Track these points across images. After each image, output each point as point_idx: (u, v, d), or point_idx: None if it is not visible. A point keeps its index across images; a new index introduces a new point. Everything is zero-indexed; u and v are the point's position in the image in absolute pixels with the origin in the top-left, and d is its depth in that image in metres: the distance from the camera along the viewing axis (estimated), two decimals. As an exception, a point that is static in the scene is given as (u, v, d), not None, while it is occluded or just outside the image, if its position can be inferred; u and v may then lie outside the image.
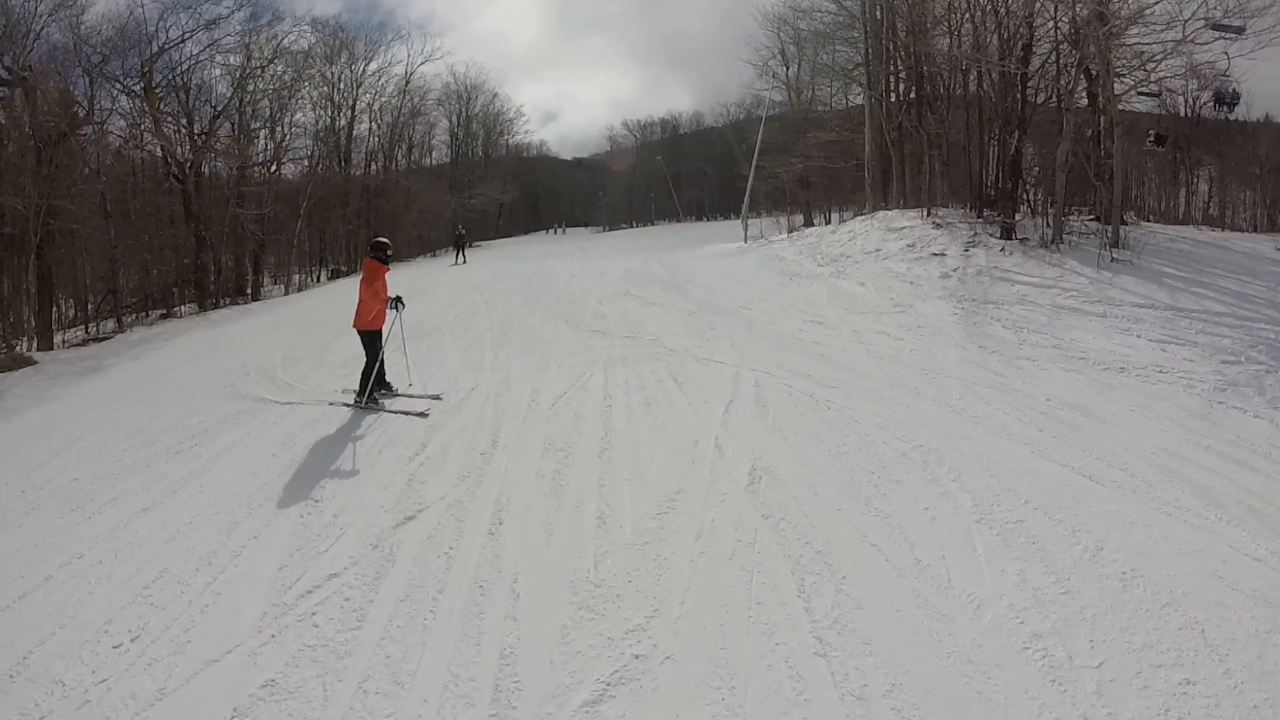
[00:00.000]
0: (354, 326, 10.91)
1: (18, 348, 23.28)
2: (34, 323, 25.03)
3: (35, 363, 20.25)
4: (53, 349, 23.70)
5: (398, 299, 11.22)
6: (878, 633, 4.88)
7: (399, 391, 11.03)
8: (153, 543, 7.25)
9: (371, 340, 10.75)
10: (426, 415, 9.72)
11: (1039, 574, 5.40)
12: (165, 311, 29.14)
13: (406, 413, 10.05)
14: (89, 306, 28.39)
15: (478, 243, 57.20)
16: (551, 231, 72.24)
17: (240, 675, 5.10)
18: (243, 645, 5.40)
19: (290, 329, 19.71)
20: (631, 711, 4.48)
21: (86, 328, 26.98)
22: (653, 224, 70.41)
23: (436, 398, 10.55)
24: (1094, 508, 6.36)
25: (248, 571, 6.45)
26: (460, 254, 36.41)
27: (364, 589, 5.96)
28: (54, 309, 26.27)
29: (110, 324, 27.15)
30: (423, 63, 50.45)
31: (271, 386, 12.66)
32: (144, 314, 28.97)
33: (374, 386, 10.68)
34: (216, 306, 30.24)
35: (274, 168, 36.89)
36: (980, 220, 19.00)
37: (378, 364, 10.77)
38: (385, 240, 11.28)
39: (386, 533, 6.85)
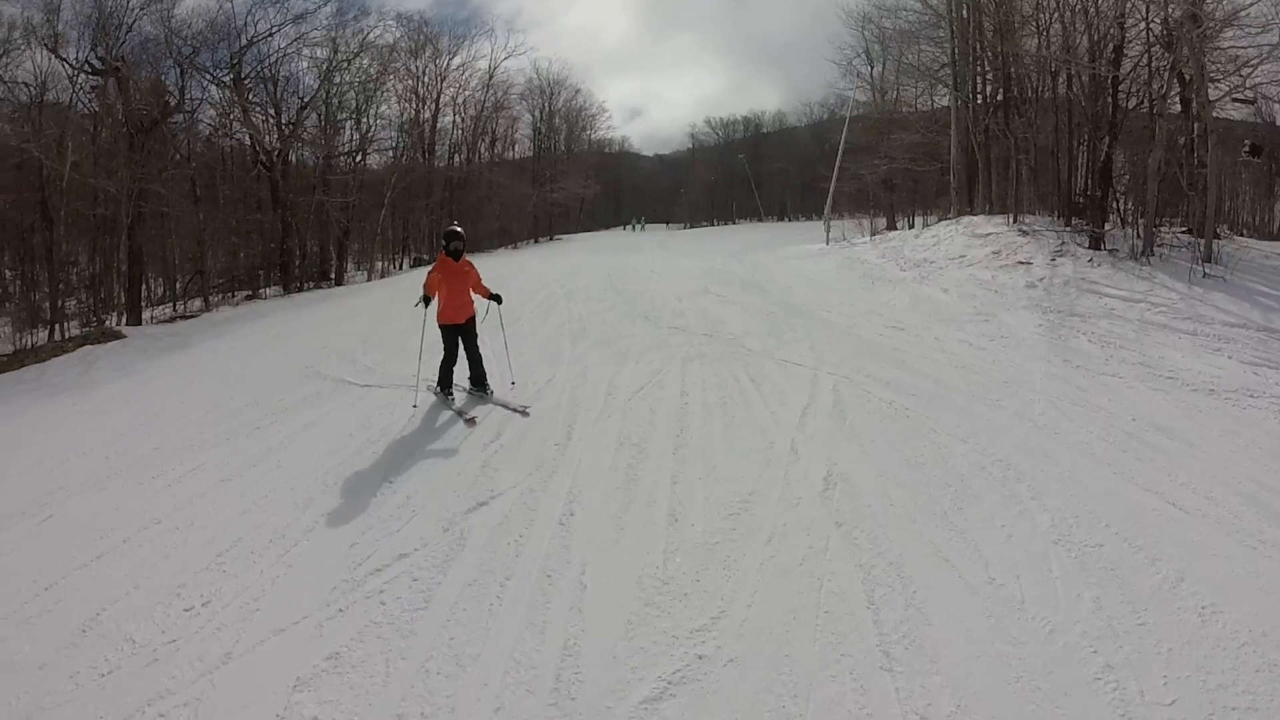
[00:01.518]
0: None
1: (108, 322, 24.10)
2: (123, 299, 25.93)
3: (124, 337, 21.01)
4: (141, 324, 24.53)
5: (493, 297, 10.87)
6: (946, 651, 4.80)
7: (487, 395, 10.47)
8: (228, 513, 7.49)
9: (443, 334, 10.46)
10: (527, 414, 9.70)
11: (1116, 602, 5.25)
12: (250, 293, 30.13)
13: (507, 405, 10.08)
14: (177, 285, 29.63)
15: (560, 236, 57.65)
16: (629, 228, 70.14)
17: (306, 646, 5.22)
18: (310, 617, 5.53)
19: (371, 314, 20.04)
20: (691, 712, 4.46)
21: (174, 305, 28.16)
22: (734, 223, 69.96)
23: (524, 411, 9.91)
24: (1176, 536, 6.15)
25: (319, 546, 6.61)
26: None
27: (432, 571, 6.05)
28: (143, 287, 27.33)
29: (197, 303, 28.23)
30: (506, 58, 51.01)
31: (351, 369, 12.90)
32: (230, 294, 30.01)
33: (440, 384, 10.51)
34: (300, 290, 31.04)
35: (359, 158, 37.75)
36: (1068, 229, 18.58)
37: (444, 360, 10.45)
38: (452, 227, 10.68)
39: (458, 517, 6.94)
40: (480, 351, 10.70)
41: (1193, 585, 5.45)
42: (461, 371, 10.62)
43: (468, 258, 10.69)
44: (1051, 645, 4.83)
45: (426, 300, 10.45)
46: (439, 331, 10.48)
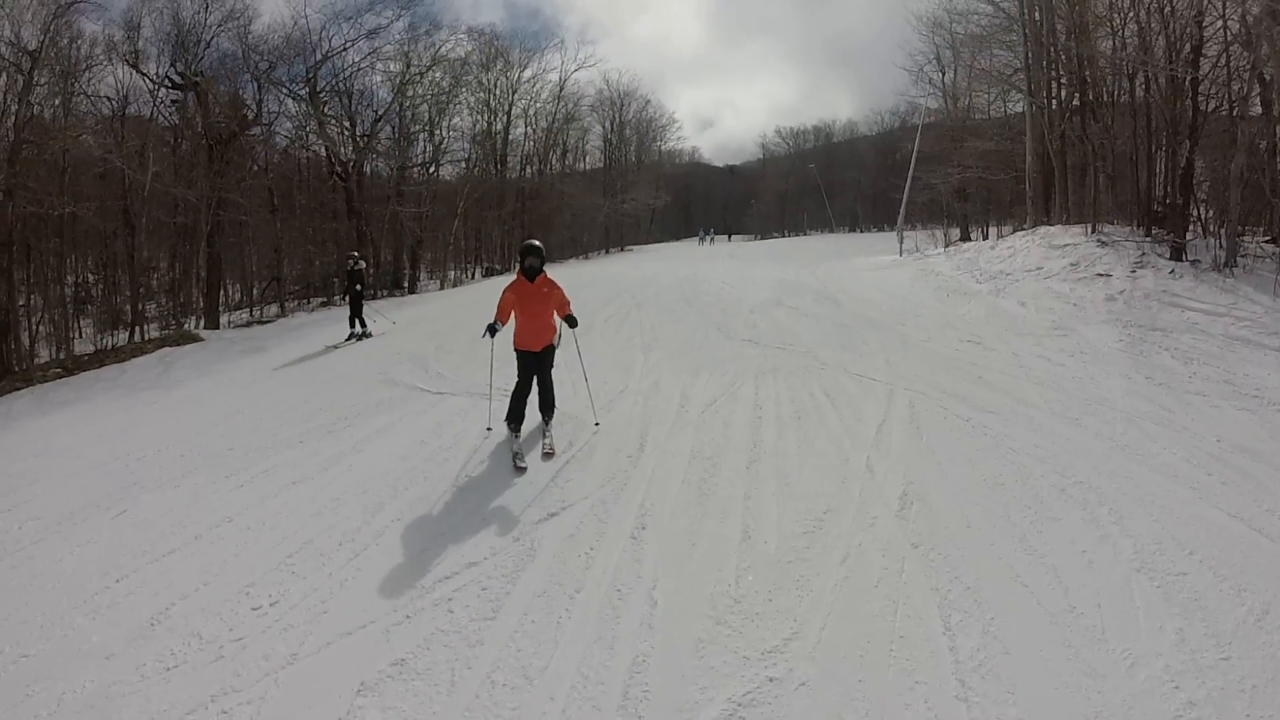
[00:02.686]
0: None
1: (186, 325, 24.79)
2: (202, 304, 26.71)
3: (201, 340, 21.66)
4: (218, 328, 25.22)
5: (567, 318, 9.59)
6: (1023, 681, 4.71)
7: (547, 432, 9.29)
8: (299, 515, 7.63)
9: (518, 360, 9.41)
10: (597, 426, 9.71)
11: (1199, 634, 5.10)
12: (325, 300, 30.78)
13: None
14: (254, 291, 30.57)
15: (630, 246, 57.85)
16: (699, 240, 67.11)
17: (372, 650, 5.28)
18: (377, 622, 5.59)
19: (444, 322, 20.31)
20: (761, 737, 4.43)
21: (250, 311, 29.08)
22: (805, 233, 69.65)
23: (595, 425, 9.75)
24: (1262, 565, 5.95)
25: (388, 551, 6.69)
26: (355, 318, 20.07)
27: (501, 580, 6.09)
28: (221, 292, 28.29)
29: (273, 308, 29.05)
30: (576, 69, 51.36)
31: (424, 375, 13.10)
32: (305, 301, 30.80)
33: (508, 416, 9.27)
34: (375, 298, 31.59)
35: (432, 169, 38.90)
36: (1148, 239, 18.13)
37: (515, 388, 9.34)
38: (528, 242, 9.42)
39: (528, 527, 6.99)
40: (552, 379, 9.60)
41: (1278, 618, 5.28)
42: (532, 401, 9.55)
43: (550, 275, 9.41)
44: (1133, 679, 4.71)
45: (493, 329, 9.21)
46: (513, 355, 9.46)
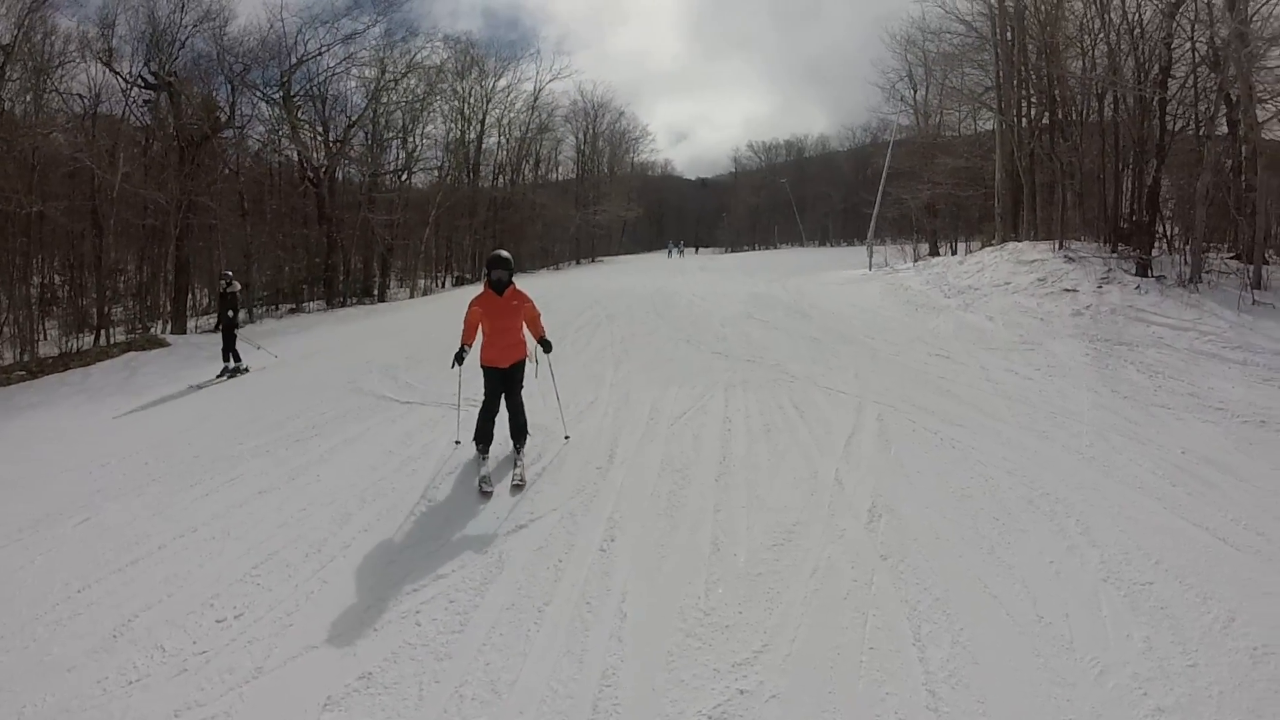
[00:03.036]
0: None
1: (153, 330, 24.52)
2: (169, 308, 26.37)
3: (168, 345, 21.49)
4: (185, 333, 24.93)
5: (542, 342, 9.18)
6: (993, 691, 4.72)
7: (519, 459, 8.65)
8: (266, 525, 7.54)
9: (484, 377, 8.91)
10: (567, 439, 9.60)
11: (1166, 642, 5.15)
12: (294, 306, 30.76)
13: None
14: None
15: (601, 258, 57.96)
16: (668, 253, 66.46)
17: (338, 664, 5.21)
18: (343, 635, 5.53)
19: (414, 331, 20.27)
20: (734, 749, 4.41)
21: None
22: (776, 247, 70.17)
23: (565, 436, 9.57)
24: (1228, 574, 6.03)
25: (356, 563, 6.62)
26: (229, 352, 17.47)
27: (469, 593, 6.03)
28: (189, 296, 27.73)
29: (242, 314, 28.37)
30: (551, 80, 52.20)
31: (393, 385, 13.04)
32: (274, 307, 30.54)
33: (475, 436, 8.88)
34: (344, 305, 31.68)
35: (405, 176, 39.12)
36: (1114, 255, 18.41)
37: (482, 407, 8.91)
38: (495, 252, 8.95)
39: (496, 539, 6.95)
40: (523, 401, 9.02)
41: (1244, 625, 5.35)
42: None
43: (520, 288, 8.91)
44: (1101, 687, 4.74)
45: (460, 357, 8.84)
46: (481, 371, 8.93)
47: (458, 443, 9.47)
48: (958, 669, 4.91)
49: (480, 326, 8.81)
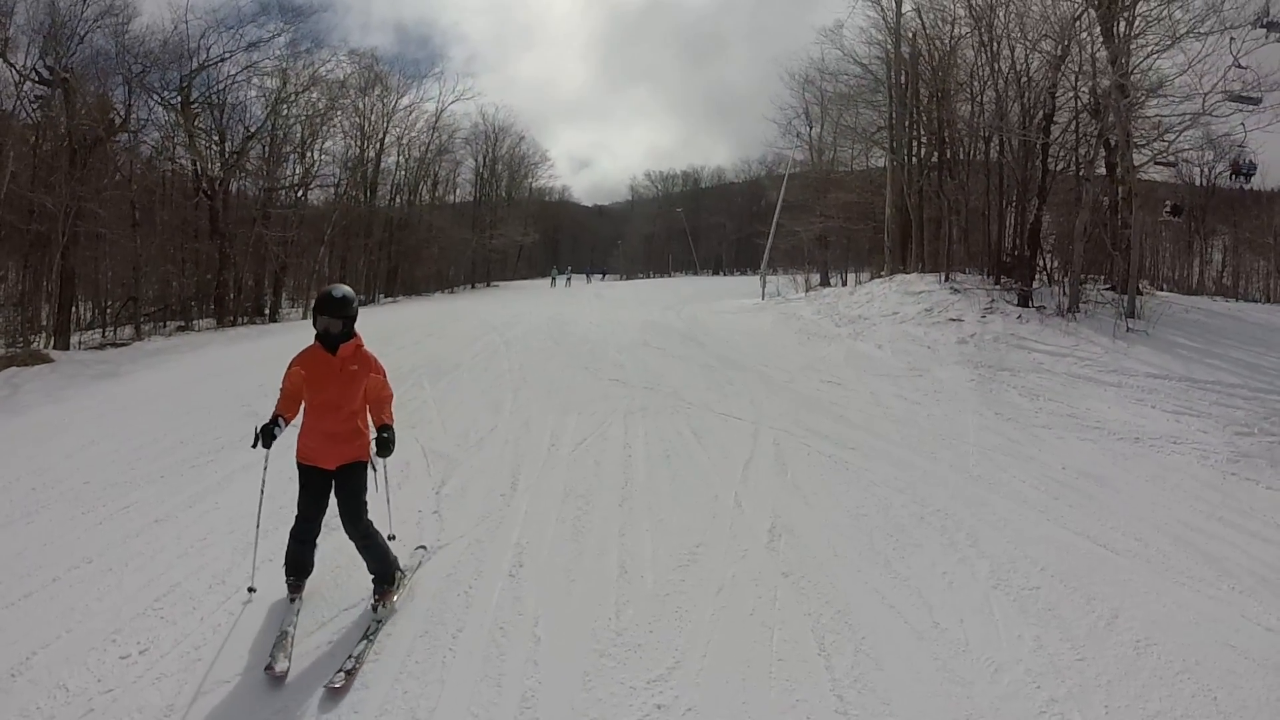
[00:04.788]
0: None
1: (35, 344, 23.19)
2: (52, 321, 25.02)
3: (51, 360, 20.12)
4: (69, 349, 23.63)
5: (381, 438, 6.08)
6: (897, 693, 4.92)
7: (380, 611, 6.00)
8: (165, 555, 7.15)
9: (300, 481, 6.21)
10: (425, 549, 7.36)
11: (1055, 640, 5.47)
12: (183, 324, 29.46)
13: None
14: (107, 311, 28.60)
15: (497, 282, 57.53)
16: (553, 280, 59.10)
17: (254, 699, 5.06)
18: (256, 669, 5.32)
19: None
20: (654, 761, 4.51)
21: (104, 332, 27.20)
22: (669, 275, 70.47)
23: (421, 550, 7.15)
24: (1109, 576, 6.46)
25: (262, 594, 6.29)
26: None
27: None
28: (73, 310, 26.35)
29: (128, 330, 27.25)
30: (454, 101, 51.50)
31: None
32: (162, 324, 29.11)
33: (286, 565, 6.16)
34: (235, 324, 30.58)
35: (301, 193, 37.75)
36: (998, 287, 19.20)
37: (293, 528, 6.14)
38: (328, 290, 6.00)
39: (405, 567, 6.87)
40: (371, 526, 6.12)
41: (1127, 621, 5.75)
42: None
43: (366, 347, 6.13)
44: (997, 684, 5.00)
45: (270, 433, 6.02)
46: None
47: (251, 590, 6.26)
48: (862, 674, 5.10)
49: (302, 401, 6.10)
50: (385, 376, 6.22)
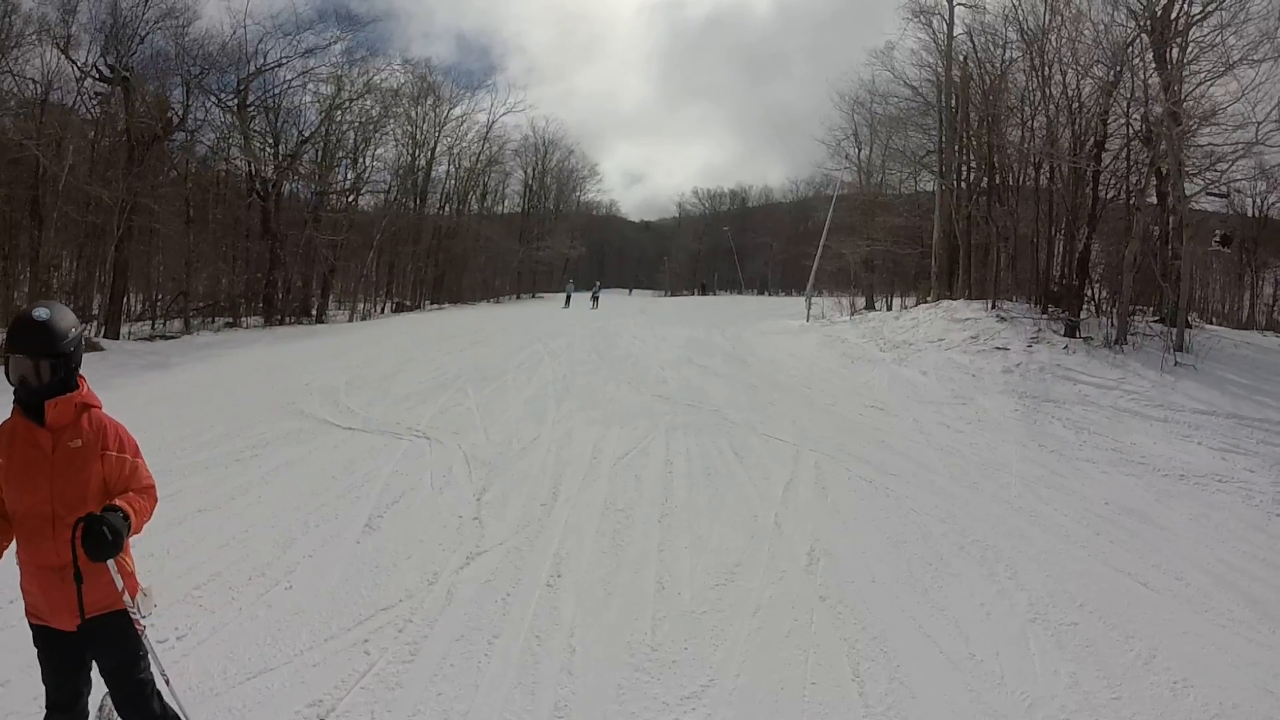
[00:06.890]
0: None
1: (86, 332, 23.55)
2: (103, 311, 25.46)
3: (102, 349, 20.64)
4: (119, 339, 24.09)
5: (93, 522, 3.43)
6: (930, 722, 4.92)
7: None
8: (206, 545, 7.26)
9: (35, 643, 3.72)
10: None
11: (1092, 677, 5.43)
12: (231, 320, 30.00)
13: None
14: (158, 304, 29.29)
15: (542, 293, 57.54)
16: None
17: (287, 691, 5.06)
18: (291, 662, 5.37)
19: (354, 355, 19.97)
20: (684, 778, 4.53)
21: (153, 324, 27.87)
22: (715, 293, 70.39)
23: None
24: (1148, 615, 6.40)
25: (300, 589, 6.43)
26: None
27: (418, 624, 5.96)
28: (124, 301, 26.78)
29: (177, 324, 27.92)
30: (505, 113, 51.76)
31: (334, 410, 12.88)
32: (210, 319, 29.68)
33: None
34: (282, 323, 31.00)
35: (352, 197, 38.54)
36: (1045, 316, 19.02)
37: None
38: (28, 312, 3.50)
39: (444, 571, 6.89)
40: (167, 710, 3.91)
41: (1165, 661, 5.67)
42: None
43: (100, 407, 3.88)
44: (1030, 719, 4.97)
45: None
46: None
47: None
48: (896, 702, 5.09)
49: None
50: (139, 455, 3.98)
